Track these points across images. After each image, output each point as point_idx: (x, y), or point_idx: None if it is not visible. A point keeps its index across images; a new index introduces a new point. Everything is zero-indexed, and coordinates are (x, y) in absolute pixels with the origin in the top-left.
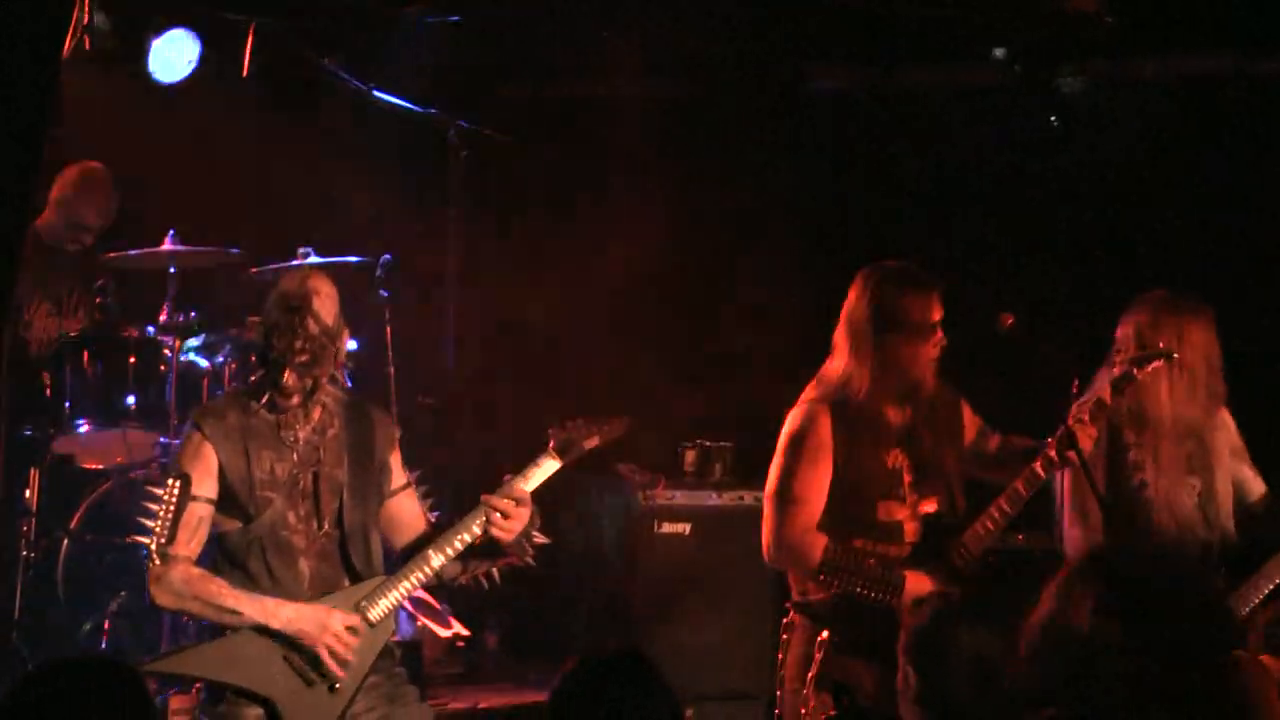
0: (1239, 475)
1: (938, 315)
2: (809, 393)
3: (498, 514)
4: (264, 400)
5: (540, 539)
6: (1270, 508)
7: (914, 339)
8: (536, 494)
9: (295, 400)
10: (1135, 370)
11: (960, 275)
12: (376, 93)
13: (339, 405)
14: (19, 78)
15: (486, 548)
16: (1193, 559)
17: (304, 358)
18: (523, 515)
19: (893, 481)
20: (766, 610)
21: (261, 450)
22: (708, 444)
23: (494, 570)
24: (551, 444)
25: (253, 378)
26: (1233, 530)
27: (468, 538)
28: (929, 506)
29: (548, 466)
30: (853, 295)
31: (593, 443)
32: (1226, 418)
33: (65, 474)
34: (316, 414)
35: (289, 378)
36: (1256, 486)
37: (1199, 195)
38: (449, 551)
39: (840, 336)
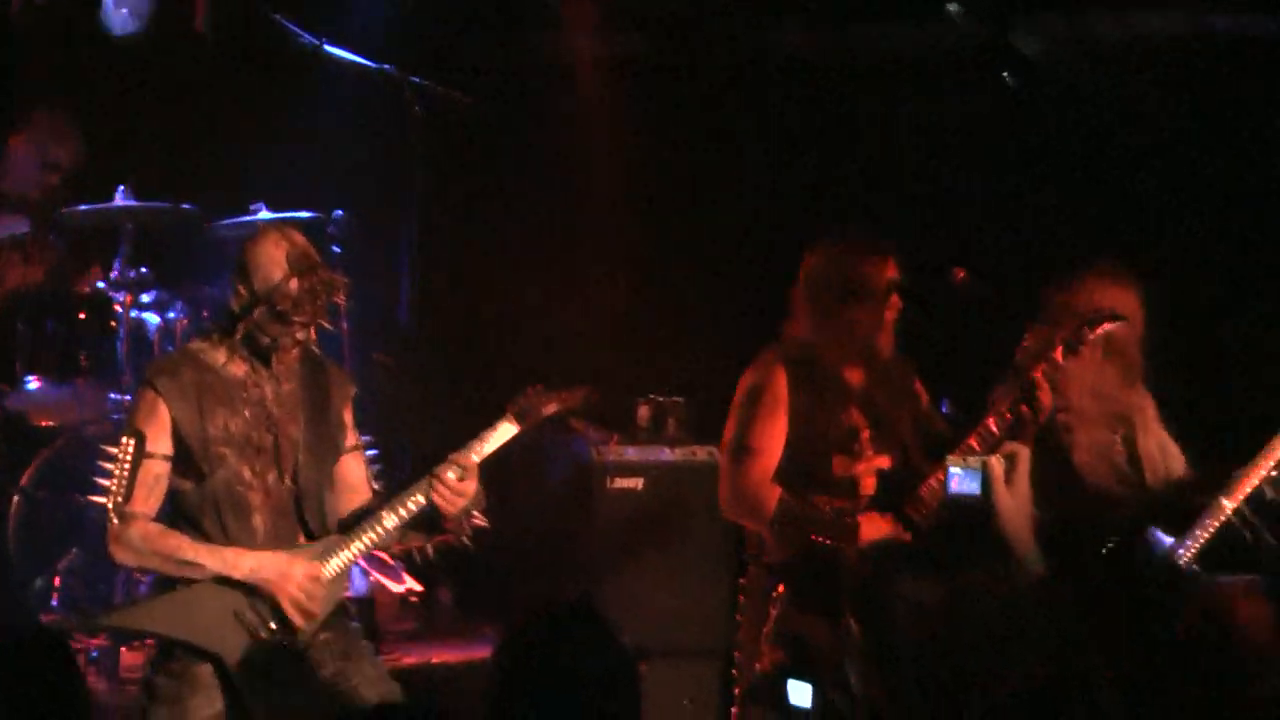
0: (1164, 445)
1: (893, 279)
2: (766, 351)
3: (441, 484)
4: (240, 354)
5: (479, 521)
6: (1194, 475)
7: (872, 305)
8: (489, 463)
9: (284, 353)
10: (1087, 330)
11: (916, 236)
12: (329, 48)
13: (296, 361)
14: None
15: (427, 520)
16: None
17: (319, 312)
18: (468, 488)
19: (849, 438)
20: (721, 567)
21: (216, 407)
22: (661, 399)
23: (429, 546)
24: (509, 409)
25: (234, 331)
26: (1160, 491)
27: (413, 506)
28: (883, 463)
29: (504, 431)
30: (811, 261)
31: (551, 409)
32: (1145, 393)
33: (16, 431)
34: (273, 366)
35: (299, 335)
36: (1176, 456)
37: (1158, 155)
38: (401, 513)
39: (799, 301)
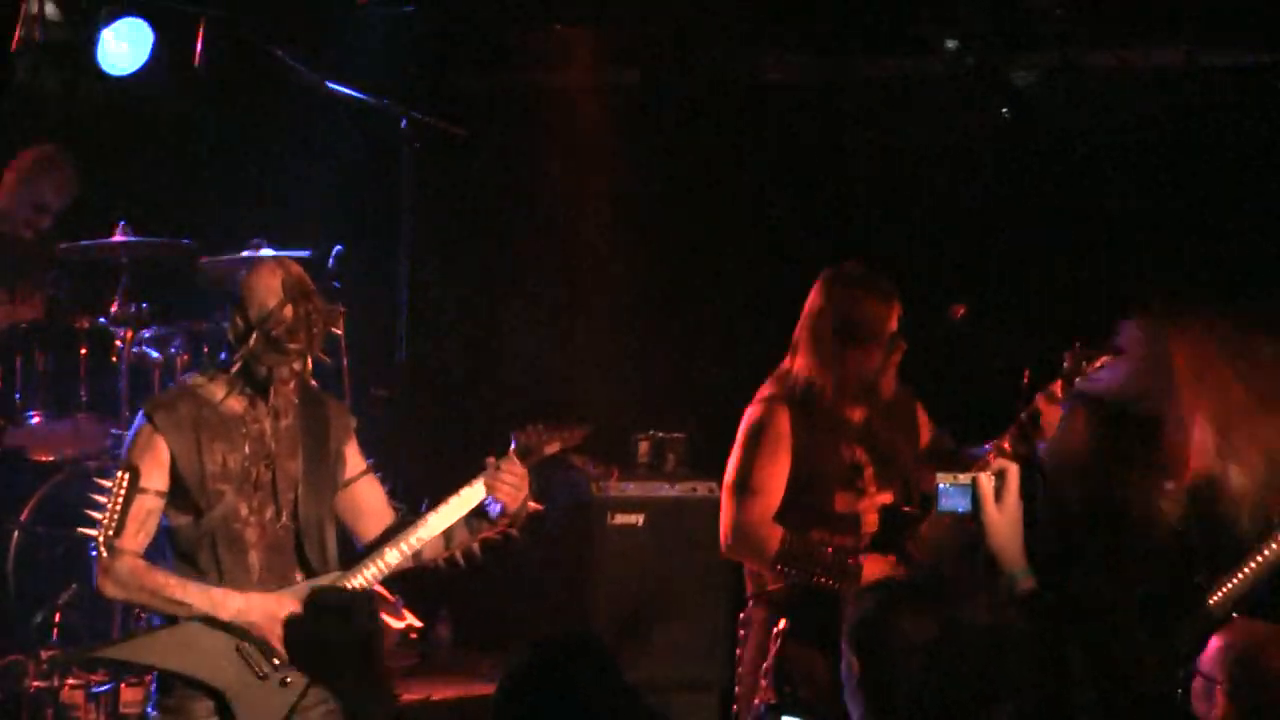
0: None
1: (895, 324)
2: (768, 389)
3: (500, 480)
4: (239, 388)
5: (535, 506)
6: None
7: (873, 348)
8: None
9: (281, 384)
10: (1086, 364)
11: (912, 267)
12: (328, 84)
13: (294, 395)
14: None
15: (471, 519)
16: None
17: (314, 341)
18: (524, 481)
19: (851, 474)
20: (720, 601)
21: (213, 442)
22: (661, 435)
23: (474, 546)
24: (513, 447)
25: (232, 365)
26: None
27: (452, 514)
28: (885, 499)
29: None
30: (813, 298)
31: (553, 448)
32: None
33: (16, 466)
34: (270, 400)
35: (295, 365)
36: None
37: (1152, 187)
38: (404, 548)
39: (800, 337)
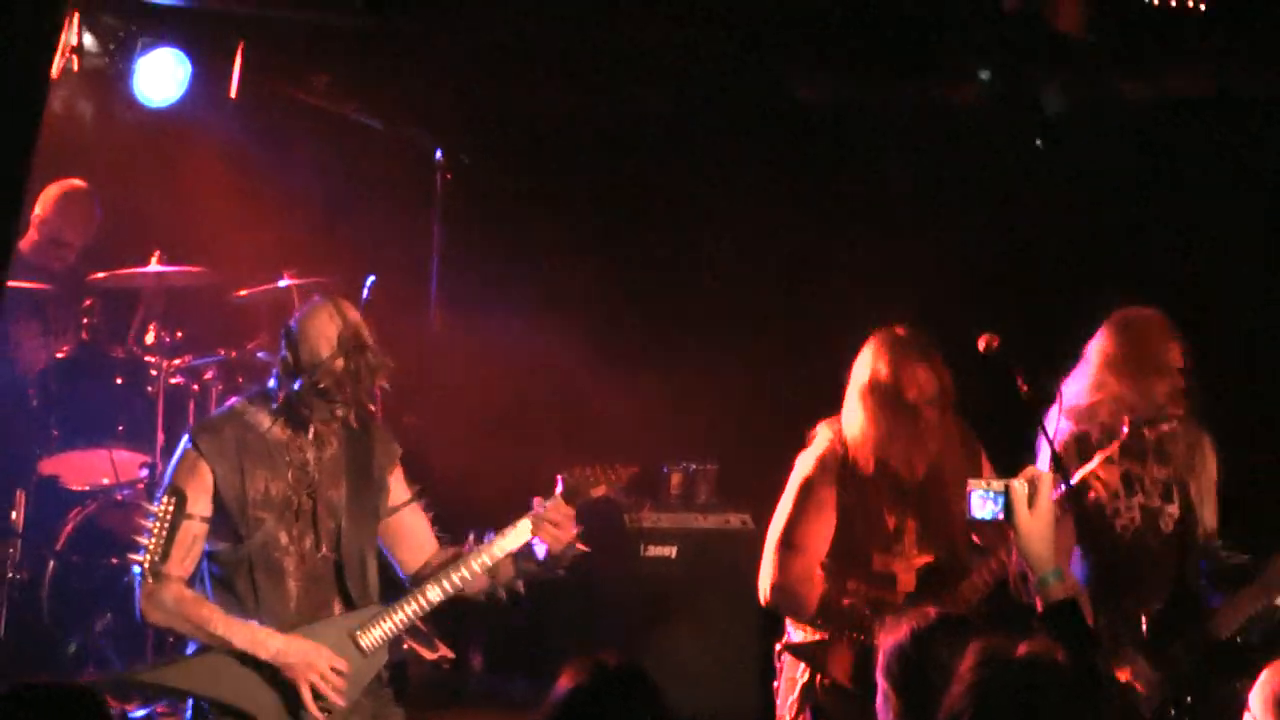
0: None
1: (940, 390)
2: (820, 440)
3: (549, 525)
4: (282, 418)
5: (581, 548)
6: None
7: (912, 417)
8: None
9: (324, 425)
10: (1146, 430)
11: (943, 293)
12: (360, 116)
13: (339, 425)
14: (7, 97)
15: (523, 557)
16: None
17: (360, 394)
18: (571, 523)
19: (891, 538)
20: (753, 632)
21: (256, 468)
22: (693, 467)
23: (518, 583)
24: (560, 489)
25: (276, 397)
26: (1215, 550)
27: (498, 553)
28: (925, 560)
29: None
30: (860, 361)
31: (599, 492)
32: (1208, 447)
33: (51, 495)
34: (313, 433)
35: (337, 413)
36: (1210, 523)
37: (1181, 215)
38: (446, 586)
39: (850, 397)
